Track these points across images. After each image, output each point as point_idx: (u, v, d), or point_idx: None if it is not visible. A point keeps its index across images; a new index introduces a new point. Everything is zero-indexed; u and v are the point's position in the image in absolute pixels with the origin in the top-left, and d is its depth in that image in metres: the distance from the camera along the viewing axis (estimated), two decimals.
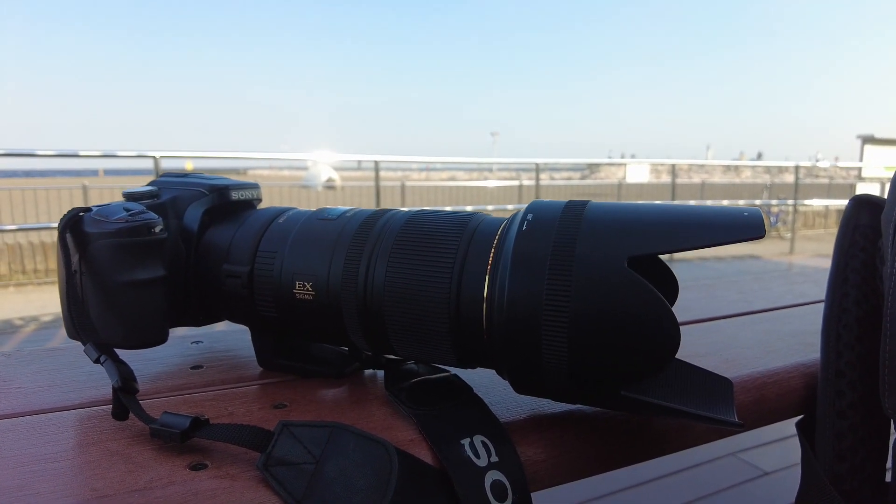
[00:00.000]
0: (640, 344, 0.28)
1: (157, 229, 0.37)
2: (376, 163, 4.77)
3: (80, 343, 0.35)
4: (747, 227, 0.27)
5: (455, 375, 0.38)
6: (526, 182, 7.57)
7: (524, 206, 0.34)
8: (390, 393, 0.36)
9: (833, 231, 9.71)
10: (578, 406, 0.35)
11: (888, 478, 0.39)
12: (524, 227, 0.31)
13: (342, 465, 0.28)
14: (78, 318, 0.35)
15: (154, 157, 3.77)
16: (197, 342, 0.47)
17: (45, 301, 4.58)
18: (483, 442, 0.31)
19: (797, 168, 6.55)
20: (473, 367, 0.36)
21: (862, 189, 6.41)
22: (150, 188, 0.41)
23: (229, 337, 0.48)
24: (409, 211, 0.37)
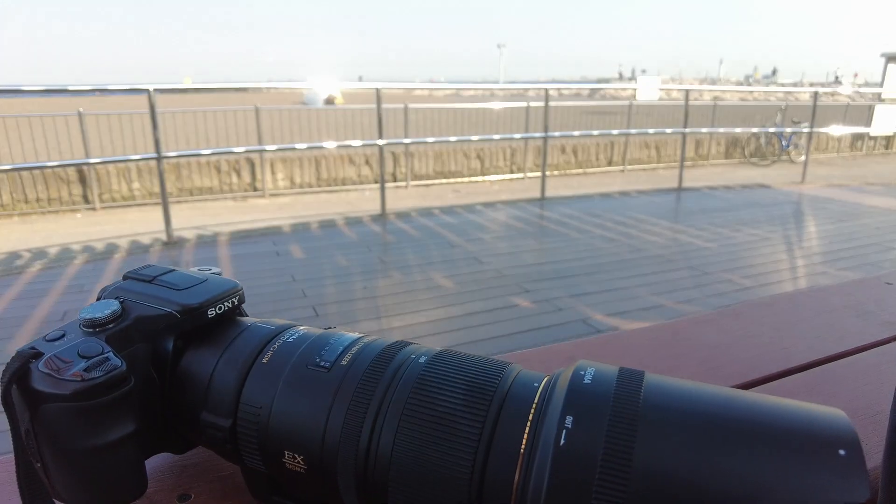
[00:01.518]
0: None
1: (122, 385, 0.31)
2: (378, 90, 4.58)
3: None
4: (838, 486, 0.22)
5: None
6: (534, 104, 7.31)
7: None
8: None
9: (847, 156, 9.48)
10: None
11: None
12: (568, 423, 0.26)
13: None
14: (29, 488, 0.30)
15: (148, 90, 3.62)
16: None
17: (50, 232, 4.57)
18: None
19: (815, 94, 6.27)
20: None
21: (880, 112, 6.16)
22: (112, 308, 0.35)
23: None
24: (426, 359, 0.32)
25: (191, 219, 4.84)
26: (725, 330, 0.64)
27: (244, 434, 0.32)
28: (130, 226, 4.69)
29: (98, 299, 0.38)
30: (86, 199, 5.70)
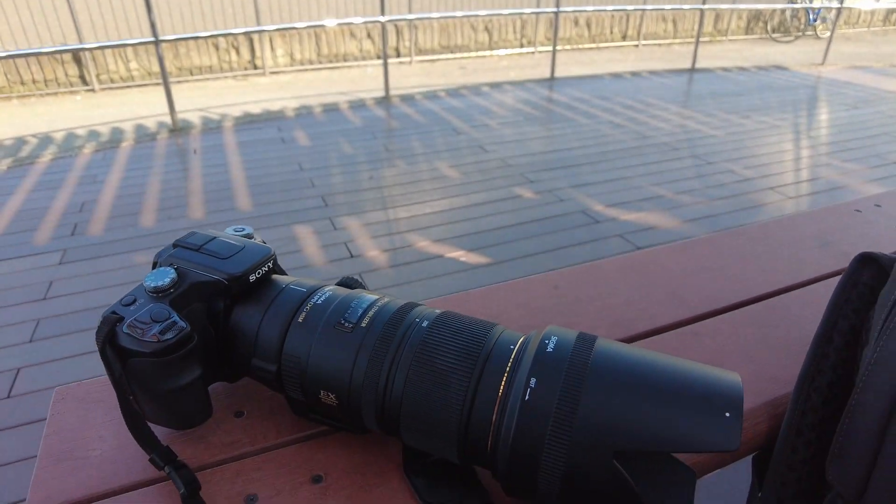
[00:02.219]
0: None
1: (189, 342, 0.40)
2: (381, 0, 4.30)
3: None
4: (719, 438, 0.31)
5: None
6: None
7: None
8: (407, 476, 0.42)
9: (878, 31, 8.94)
10: None
11: None
12: (532, 384, 0.34)
13: None
14: (136, 430, 0.40)
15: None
16: None
17: (52, 115, 4.55)
18: None
19: None
20: (472, 465, 0.41)
21: None
22: (171, 276, 0.42)
23: None
24: (432, 318, 0.40)
25: (193, 100, 4.78)
26: (696, 259, 0.72)
27: (287, 376, 0.42)
28: (132, 109, 4.64)
29: (154, 264, 0.46)
30: (83, 80, 5.57)
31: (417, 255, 2.30)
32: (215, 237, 0.46)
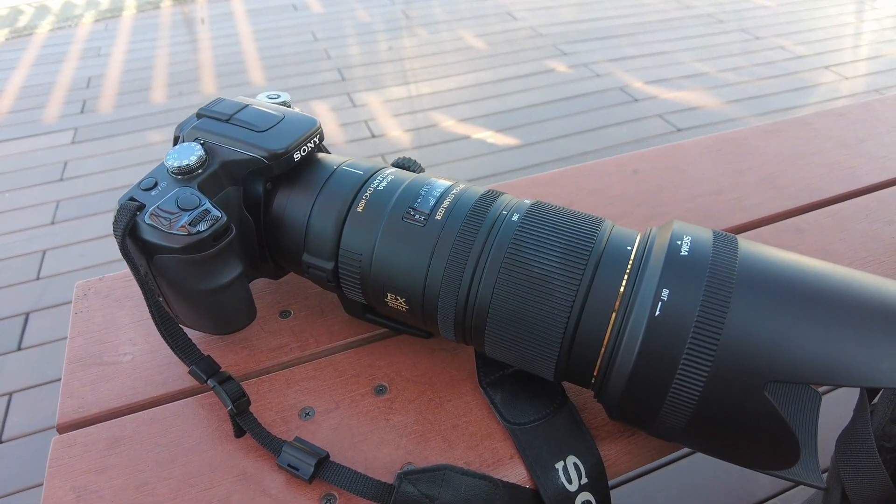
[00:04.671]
0: (757, 456, 0.28)
1: (225, 235, 0.33)
2: None
3: None
4: None
5: None
6: None
7: None
8: (484, 390, 0.37)
9: None
10: None
11: None
12: (665, 296, 0.27)
13: (456, 502, 0.31)
14: (171, 338, 0.34)
15: None
16: None
17: None
18: (575, 464, 0.33)
19: None
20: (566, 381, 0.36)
21: None
22: (198, 153, 0.34)
23: None
24: (523, 210, 0.32)
25: None
26: (789, 142, 0.62)
27: (347, 276, 0.35)
28: None
29: (175, 139, 0.38)
30: None
31: (443, 135, 2.17)
32: (247, 105, 0.37)
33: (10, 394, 1.16)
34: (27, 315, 1.35)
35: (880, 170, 0.58)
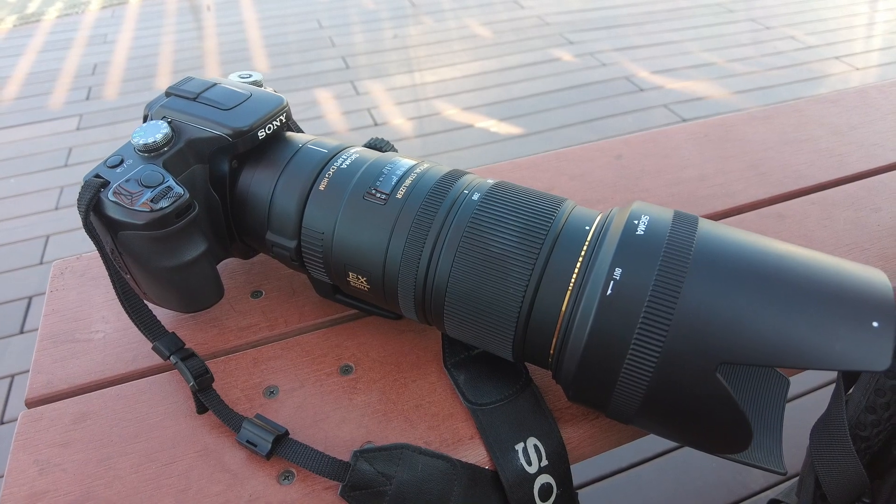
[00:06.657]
0: (710, 439, 0.27)
1: (188, 211, 0.33)
2: None
3: None
4: (863, 354, 0.23)
5: None
6: None
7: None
8: (448, 371, 0.37)
9: None
10: None
11: None
12: (617, 275, 0.27)
13: (413, 481, 0.31)
14: (134, 313, 0.34)
15: None
16: None
17: None
18: (535, 446, 0.33)
19: None
20: (525, 362, 0.35)
21: None
22: (163, 131, 0.34)
23: None
24: (484, 189, 0.32)
25: None
26: (779, 129, 0.61)
27: (309, 254, 0.35)
28: None
29: (144, 117, 0.38)
30: None
31: (446, 123, 2.16)
32: (216, 83, 0.37)
33: (13, 376, 1.18)
34: (30, 299, 1.36)
35: (870, 157, 0.57)
